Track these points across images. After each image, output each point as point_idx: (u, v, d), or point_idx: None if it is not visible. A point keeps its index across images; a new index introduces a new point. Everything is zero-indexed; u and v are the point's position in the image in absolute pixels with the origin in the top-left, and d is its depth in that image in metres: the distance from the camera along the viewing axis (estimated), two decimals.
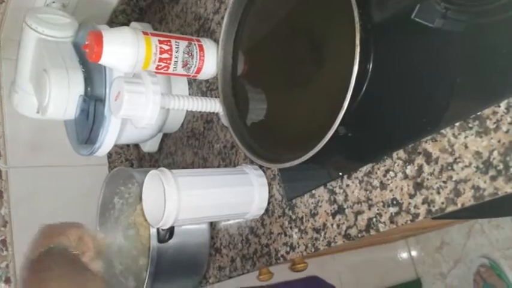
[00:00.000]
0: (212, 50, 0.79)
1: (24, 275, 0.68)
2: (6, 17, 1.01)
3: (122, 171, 0.89)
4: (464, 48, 0.49)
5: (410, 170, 0.52)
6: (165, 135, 1.06)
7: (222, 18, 0.75)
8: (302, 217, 0.67)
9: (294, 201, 0.68)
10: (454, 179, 0.48)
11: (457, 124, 0.47)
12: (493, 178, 0.44)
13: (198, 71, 0.79)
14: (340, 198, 0.61)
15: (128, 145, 1.23)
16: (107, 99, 0.81)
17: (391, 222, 0.54)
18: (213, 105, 0.75)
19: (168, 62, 0.75)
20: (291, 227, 0.69)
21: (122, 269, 0.91)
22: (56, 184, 1.10)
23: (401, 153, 0.53)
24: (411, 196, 0.52)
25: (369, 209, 0.57)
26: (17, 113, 0.95)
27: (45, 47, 0.87)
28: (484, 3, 0.46)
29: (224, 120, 0.77)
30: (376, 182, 0.56)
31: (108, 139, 0.84)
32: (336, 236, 0.61)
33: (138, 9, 1.15)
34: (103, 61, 0.71)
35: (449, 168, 0.48)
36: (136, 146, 1.21)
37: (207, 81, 0.90)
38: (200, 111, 0.78)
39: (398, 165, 0.53)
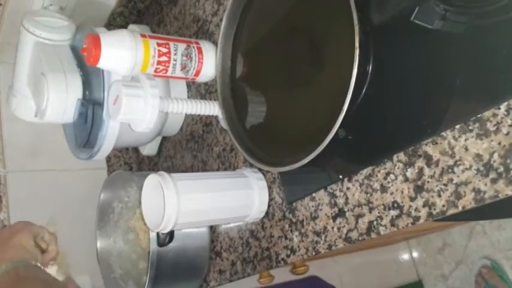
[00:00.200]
0: (211, 52, 0.79)
1: None
2: (3, 20, 1.01)
3: (121, 174, 0.89)
4: (464, 50, 0.48)
5: (410, 172, 0.52)
6: (164, 139, 1.05)
7: (221, 20, 0.75)
8: (302, 220, 0.66)
9: (294, 204, 0.68)
10: (454, 181, 0.47)
11: (457, 126, 0.47)
12: (494, 181, 0.44)
13: (197, 73, 0.78)
14: (340, 201, 0.60)
15: (127, 148, 1.22)
16: (105, 103, 0.80)
17: (392, 225, 0.54)
18: (212, 108, 0.75)
19: (167, 64, 0.75)
20: (291, 230, 0.68)
21: (121, 273, 0.91)
22: (55, 188, 1.10)
23: (401, 155, 0.53)
24: (412, 199, 0.51)
25: (370, 212, 0.56)
26: (15, 117, 0.95)
27: (42, 50, 0.87)
28: (483, 4, 0.45)
29: (223, 123, 0.77)
30: (376, 185, 0.55)
31: (106, 143, 0.84)
32: (336, 239, 0.61)
33: (136, 12, 1.15)
34: (101, 64, 0.70)
35: (450, 170, 0.48)
36: (135, 149, 1.20)
37: (206, 83, 0.89)
38: (199, 114, 0.78)
39: (398, 168, 0.53)
